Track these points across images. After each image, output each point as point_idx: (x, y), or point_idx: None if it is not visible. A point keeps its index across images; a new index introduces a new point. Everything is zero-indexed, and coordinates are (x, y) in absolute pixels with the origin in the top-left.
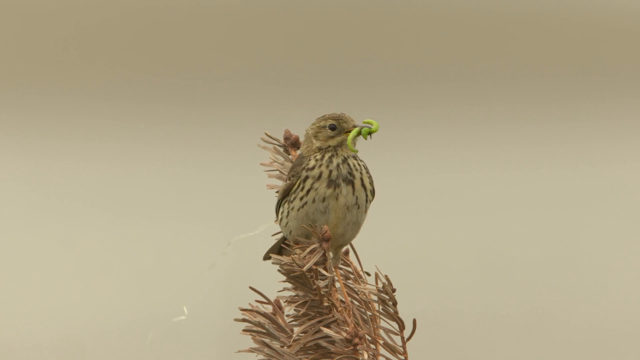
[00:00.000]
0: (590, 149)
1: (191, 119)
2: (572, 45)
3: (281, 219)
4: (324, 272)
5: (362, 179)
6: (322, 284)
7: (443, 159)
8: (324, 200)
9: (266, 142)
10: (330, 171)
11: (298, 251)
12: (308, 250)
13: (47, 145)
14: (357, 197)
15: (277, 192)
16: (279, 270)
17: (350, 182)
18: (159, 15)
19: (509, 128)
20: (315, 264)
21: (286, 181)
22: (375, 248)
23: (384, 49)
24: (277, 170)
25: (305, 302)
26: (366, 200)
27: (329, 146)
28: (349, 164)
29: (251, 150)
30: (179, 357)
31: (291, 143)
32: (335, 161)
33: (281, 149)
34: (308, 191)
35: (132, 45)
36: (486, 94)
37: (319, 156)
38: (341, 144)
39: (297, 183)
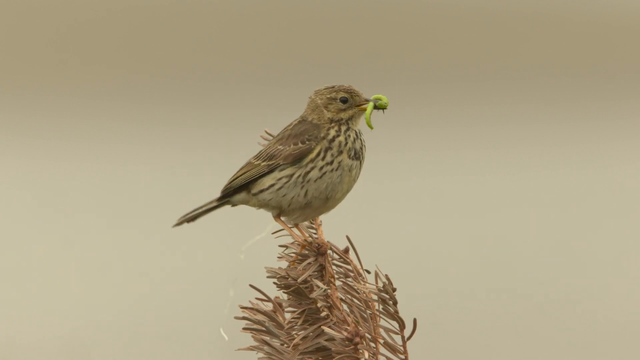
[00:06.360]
0: (590, 149)
1: (191, 119)
2: (572, 46)
3: (272, 184)
4: (319, 284)
5: (363, 158)
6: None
7: (443, 159)
8: (340, 171)
9: (265, 140)
10: (351, 144)
11: (291, 263)
12: (304, 264)
13: (46, 146)
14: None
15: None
16: (274, 283)
17: (359, 159)
18: (158, 15)
19: (509, 128)
20: (311, 275)
21: (289, 145)
22: (375, 247)
23: (384, 49)
24: None
25: (303, 311)
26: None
27: (341, 119)
28: (361, 140)
29: (251, 150)
30: (179, 356)
31: None
32: (352, 135)
33: None
34: (331, 162)
35: (131, 46)
36: (487, 94)
37: (336, 127)
38: (352, 118)
39: (317, 151)
